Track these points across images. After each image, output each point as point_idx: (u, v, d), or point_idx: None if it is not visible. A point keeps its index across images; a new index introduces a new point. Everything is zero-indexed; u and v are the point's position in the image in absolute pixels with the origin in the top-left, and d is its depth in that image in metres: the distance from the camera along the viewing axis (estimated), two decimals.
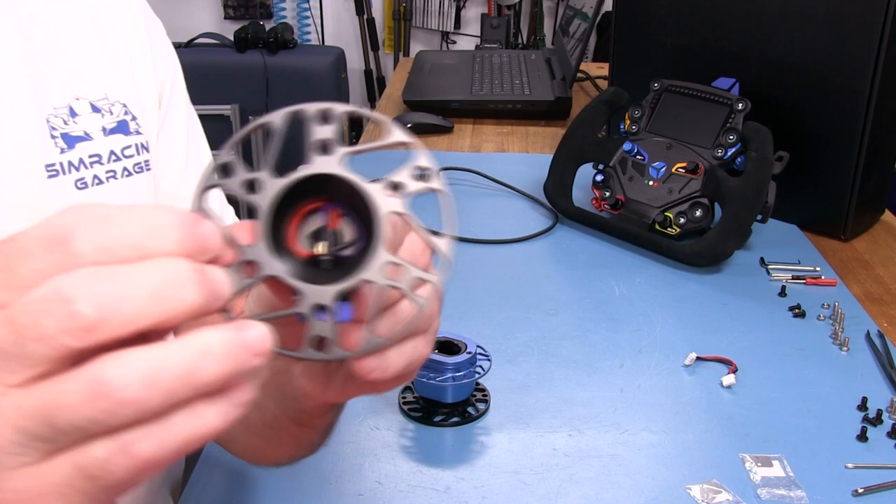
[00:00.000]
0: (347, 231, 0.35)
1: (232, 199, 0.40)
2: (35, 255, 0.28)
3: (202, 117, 0.73)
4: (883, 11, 1.03)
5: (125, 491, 0.29)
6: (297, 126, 0.35)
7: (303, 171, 0.34)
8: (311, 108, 0.34)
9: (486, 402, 0.79)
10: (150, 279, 0.28)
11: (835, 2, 1.08)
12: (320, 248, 0.35)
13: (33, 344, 0.27)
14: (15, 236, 0.29)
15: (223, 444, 0.66)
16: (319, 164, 0.34)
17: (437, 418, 0.77)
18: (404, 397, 0.79)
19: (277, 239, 0.34)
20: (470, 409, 0.78)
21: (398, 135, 0.35)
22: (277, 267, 0.33)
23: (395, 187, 0.34)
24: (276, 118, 0.34)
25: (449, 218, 0.34)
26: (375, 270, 0.33)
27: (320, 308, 0.33)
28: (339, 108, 0.34)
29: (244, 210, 0.38)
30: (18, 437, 0.28)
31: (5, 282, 0.28)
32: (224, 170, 0.33)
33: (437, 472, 0.71)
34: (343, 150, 0.34)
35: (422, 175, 0.34)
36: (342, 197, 0.35)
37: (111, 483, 0.28)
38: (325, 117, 0.34)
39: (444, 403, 0.77)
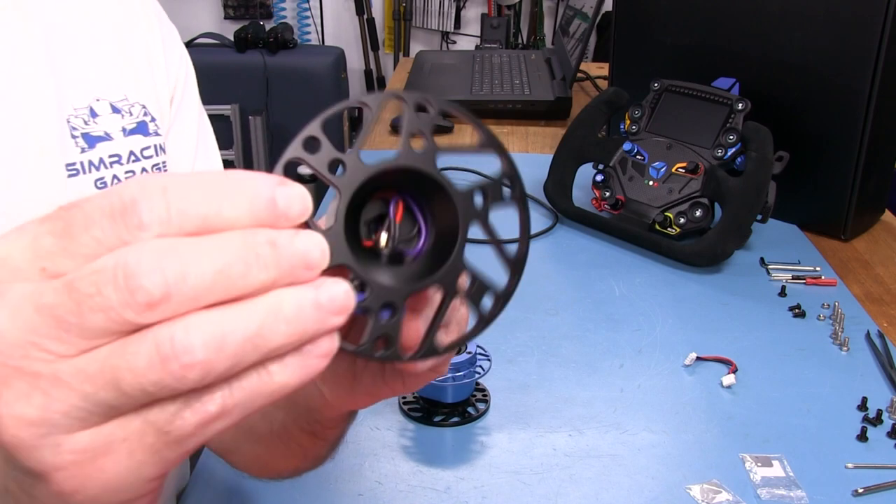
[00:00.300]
0: (409, 225, 0.34)
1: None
2: (97, 224, 0.27)
3: None
4: (883, 11, 1.03)
5: (194, 446, 0.29)
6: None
7: (395, 162, 0.32)
8: (411, 96, 0.33)
9: (486, 402, 0.79)
10: (218, 255, 0.27)
11: (835, 2, 1.08)
12: (383, 241, 0.34)
13: (93, 315, 0.26)
14: (78, 202, 0.28)
15: (226, 455, 0.66)
16: (409, 157, 0.32)
17: (437, 418, 0.77)
18: (404, 397, 0.79)
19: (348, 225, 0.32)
20: (470, 409, 0.78)
21: (490, 141, 0.34)
22: (349, 256, 0.31)
23: (481, 192, 0.33)
24: (372, 100, 0.32)
25: (524, 230, 0.34)
26: (450, 278, 0.33)
27: (388, 306, 0.32)
28: (437, 101, 0.33)
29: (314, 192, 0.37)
30: (83, 402, 0.27)
31: (65, 249, 0.27)
32: (309, 144, 0.31)
33: (437, 472, 0.71)
34: (435, 146, 0.33)
35: (508, 186, 0.34)
36: (414, 189, 0.34)
37: (179, 438, 0.28)
38: (422, 108, 0.33)
39: (444, 403, 0.77)
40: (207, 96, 0.73)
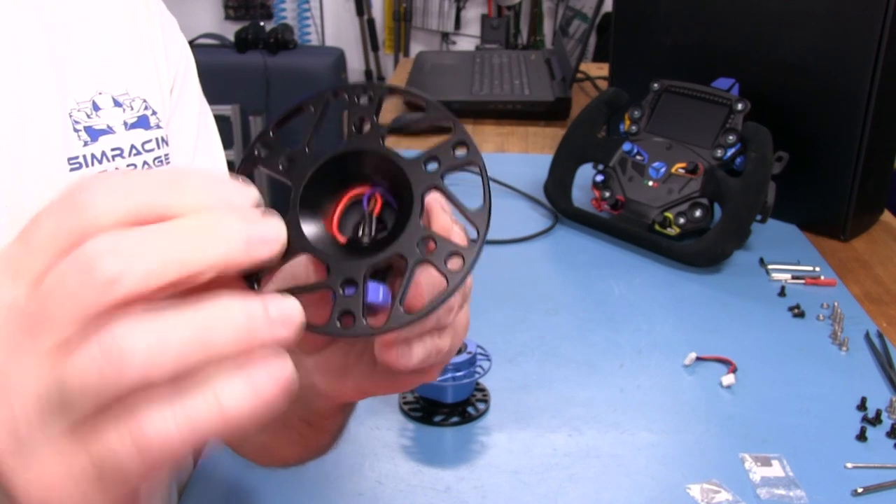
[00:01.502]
0: (390, 217, 0.35)
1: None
2: (50, 219, 0.28)
3: None
4: (883, 11, 1.03)
5: (140, 481, 0.28)
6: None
7: (340, 149, 0.33)
8: (350, 85, 0.33)
9: (486, 402, 0.79)
10: (172, 234, 0.27)
11: (835, 2, 1.08)
12: (361, 233, 0.34)
13: (57, 307, 0.26)
14: (35, 213, 0.29)
15: (234, 445, 0.66)
16: (353, 142, 0.33)
17: (437, 418, 0.77)
18: (404, 397, 0.79)
19: (318, 222, 0.33)
20: (470, 409, 0.78)
21: (439, 113, 0.34)
22: (308, 243, 0.32)
23: (433, 160, 0.33)
24: (315, 100, 0.34)
25: (486, 193, 0.34)
26: (409, 244, 0.32)
27: (350, 282, 0.32)
28: (379, 86, 0.34)
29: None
30: (38, 408, 0.27)
31: (26, 249, 0.28)
32: (264, 144, 0.33)
33: (437, 472, 0.71)
34: (383, 128, 0.33)
35: (460, 151, 0.34)
36: (384, 177, 0.34)
37: (122, 469, 0.27)
38: (363, 95, 0.33)
39: (444, 403, 0.77)
40: (208, 96, 0.73)
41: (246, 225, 0.28)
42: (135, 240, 0.27)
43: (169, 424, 0.27)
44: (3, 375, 0.28)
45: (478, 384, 0.81)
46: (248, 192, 0.29)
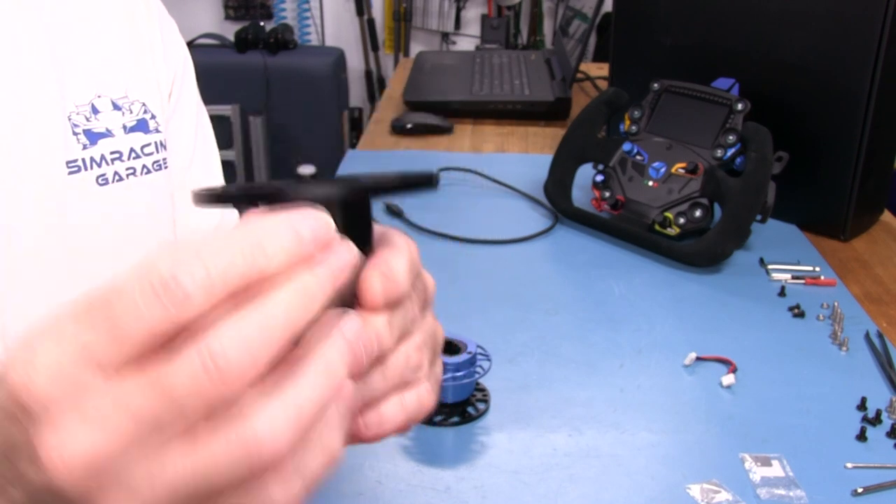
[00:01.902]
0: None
1: None
2: (142, 307, 0.27)
3: None
4: (883, 11, 1.03)
5: None
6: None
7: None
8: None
9: (486, 402, 0.79)
10: (280, 316, 0.28)
11: (835, 2, 1.08)
12: None
13: (188, 403, 0.27)
14: (107, 289, 0.27)
15: None
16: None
17: (437, 418, 0.77)
18: None
19: None
20: (470, 409, 0.78)
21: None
22: None
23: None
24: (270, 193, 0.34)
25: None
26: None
27: None
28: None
29: None
30: (176, 501, 0.28)
31: (114, 340, 0.27)
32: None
33: (437, 472, 0.71)
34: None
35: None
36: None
37: None
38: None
39: (444, 403, 0.77)
40: (207, 97, 0.73)
41: (331, 271, 0.30)
42: (251, 329, 0.27)
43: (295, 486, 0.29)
44: (146, 475, 0.27)
45: (478, 384, 0.81)
46: (321, 225, 0.30)
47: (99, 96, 0.59)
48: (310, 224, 0.30)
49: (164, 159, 0.63)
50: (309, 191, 0.33)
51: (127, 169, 0.60)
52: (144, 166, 0.61)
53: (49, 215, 0.55)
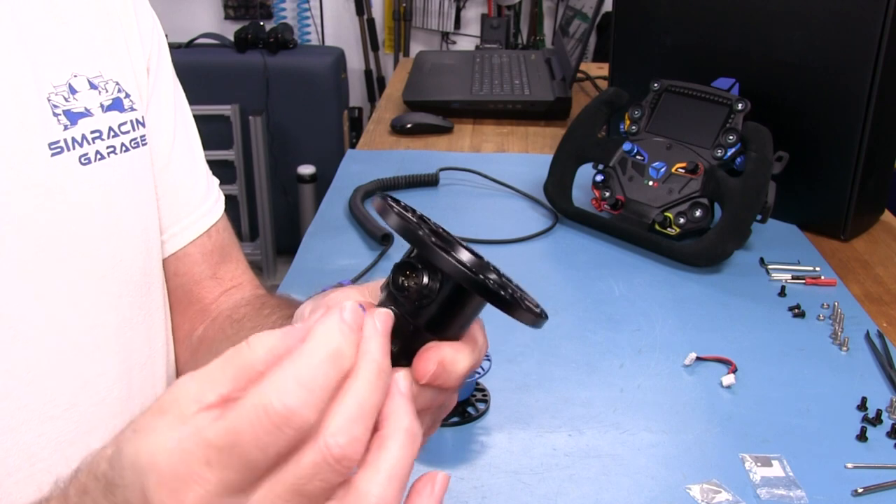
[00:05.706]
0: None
1: None
2: (268, 443, 0.31)
3: (202, 118, 0.74)
4: (883, 11, 1.03)
5: None
6: None
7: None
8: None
9: (486, 402, 0.79)
10: (364, 391, 0.33)
11: (835, 2, 1.08)
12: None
13: (315, 488, 0.32)
14: (232, 428, 0.31)
15: None
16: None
17: None
18: None
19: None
20: (470, 409, 0.78)
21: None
22: None
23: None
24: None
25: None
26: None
27: None
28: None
29: None
30: None
31: (250, 471, 0.32)
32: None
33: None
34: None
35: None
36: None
37: None
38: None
39: None
40: (207, 96, 0.73)
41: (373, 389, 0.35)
42: (350, 415, 0.33)
43: None
44: None
45: (478, 384, 0.81)
46: (380, 320, 0.36)
47: (75, 76, 0.59)
48: (381, 321, 0.36)
49: (143, 136, 0.63)
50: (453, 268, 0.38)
51: (107, 147, 0.60)
52: (123, 144, 0.61)
53: (35, 198, 0.55)
